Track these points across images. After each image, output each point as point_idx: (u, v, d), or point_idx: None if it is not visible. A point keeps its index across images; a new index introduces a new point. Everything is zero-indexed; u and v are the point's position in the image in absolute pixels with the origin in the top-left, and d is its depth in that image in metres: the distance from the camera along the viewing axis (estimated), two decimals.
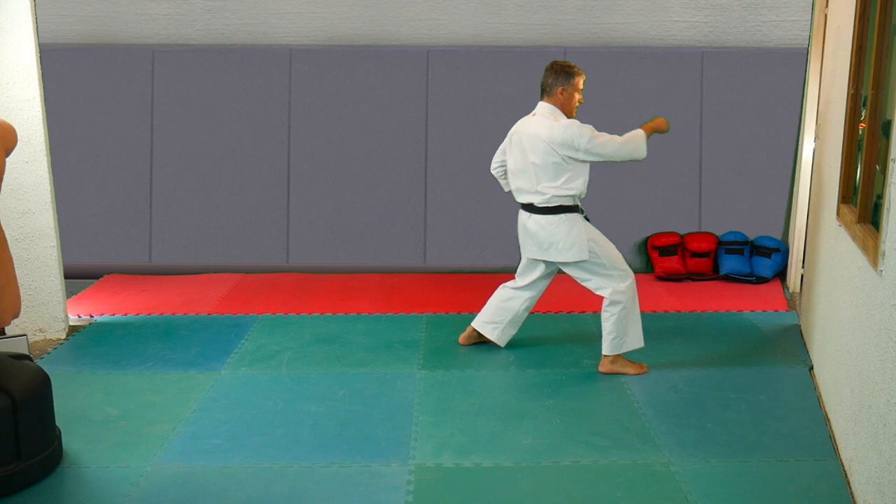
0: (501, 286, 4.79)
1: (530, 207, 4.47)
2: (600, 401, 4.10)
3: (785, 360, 4.65)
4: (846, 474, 3.30)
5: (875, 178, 3.40)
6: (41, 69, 4.83)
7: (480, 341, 4.85)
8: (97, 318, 5.42)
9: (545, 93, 4.46)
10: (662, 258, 6.50)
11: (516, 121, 4.25)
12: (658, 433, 3.71)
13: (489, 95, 6.67)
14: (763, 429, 3.76)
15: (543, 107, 4.45)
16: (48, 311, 5.01)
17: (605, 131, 4.32)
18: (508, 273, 6.65)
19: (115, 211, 6.69)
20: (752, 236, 6.59)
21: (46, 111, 4.91)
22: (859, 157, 3.64)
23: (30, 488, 3.20)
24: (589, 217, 4.49)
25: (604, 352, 4.44)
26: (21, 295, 3.81)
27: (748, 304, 5.75)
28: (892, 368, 2.61)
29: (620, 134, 4.35)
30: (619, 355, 4.43)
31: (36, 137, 4.80)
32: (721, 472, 3.36)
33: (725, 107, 6.68)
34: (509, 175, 4.61)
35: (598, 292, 4.43)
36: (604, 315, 4.42)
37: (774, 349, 4.86)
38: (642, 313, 5.53)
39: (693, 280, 6.46)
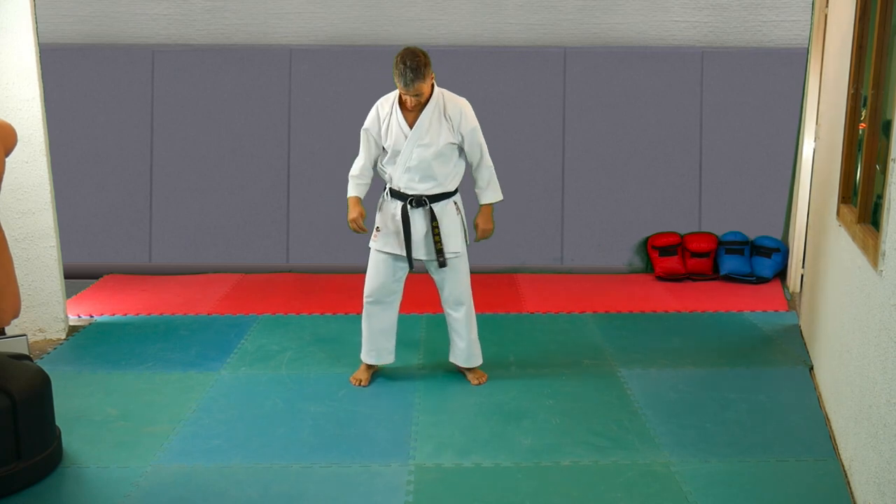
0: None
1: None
2: (600, 401, 4.09)
3: (785, 360, 4.64)
4: (846, 474, 3.30)
5: (875, 178, 3.40)
6: (41, 69, 4.83)
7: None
8: (97, 318, 5.42)
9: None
10: (662, 258, 6.49)
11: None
12: (658, 433, 3.71)
13: (489, 95, 6.67)
14: (763, 429, 3.76)
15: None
16: (48, 311, 5.01)
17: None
18: (508, 273, 6.66)
19: (115, 211, 6.69)
20: (752, 236, 6.58)
21: (46, 111, 4.91)
22: (859, 157, 3.64)
23: (30, 488, 3.20)
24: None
25: None
26: (21, 295, 3.81)
27: (748, 304, 5.75)
28: (892, 368, 2.61)
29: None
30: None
31: (36, 137, 4.80)
32: (721, 472, 3.36)
33: (725, 107, 6.68)
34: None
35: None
36: None
37: (774, 349, 4.85)
38: (643, 313, 5.57)
39: (693, 280, 6.46)
